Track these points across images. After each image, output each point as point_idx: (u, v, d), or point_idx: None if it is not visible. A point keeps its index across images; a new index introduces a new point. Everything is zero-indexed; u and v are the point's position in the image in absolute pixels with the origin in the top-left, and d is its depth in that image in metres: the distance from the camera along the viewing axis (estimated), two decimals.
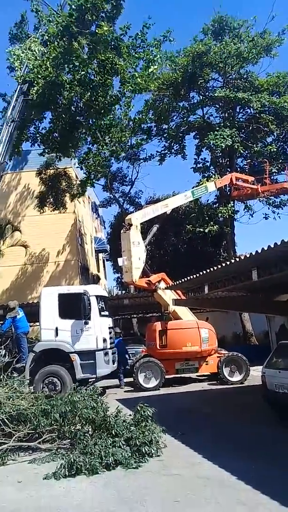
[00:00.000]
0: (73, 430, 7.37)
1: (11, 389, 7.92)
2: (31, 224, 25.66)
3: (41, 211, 24.57)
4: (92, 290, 12.29)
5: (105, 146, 17.41)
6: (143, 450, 6.60)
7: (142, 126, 23.72)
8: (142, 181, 76.55)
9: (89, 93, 15.69)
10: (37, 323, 12.95)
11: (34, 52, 14.17)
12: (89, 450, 6.53)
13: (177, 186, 73.85)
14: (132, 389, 14.29)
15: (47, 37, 14.73)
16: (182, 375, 15.10)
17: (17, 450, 7.26)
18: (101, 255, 37.92)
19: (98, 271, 36.79)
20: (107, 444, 6.69)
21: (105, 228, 41.00)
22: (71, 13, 13.91)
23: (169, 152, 25.32)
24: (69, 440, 7.38)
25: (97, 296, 12.15)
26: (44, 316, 11.82)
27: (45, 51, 14.48)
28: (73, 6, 14.04)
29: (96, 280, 33.19)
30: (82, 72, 14.60)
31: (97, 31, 14.18)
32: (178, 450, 7.10)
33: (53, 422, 7.38)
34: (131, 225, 14.84)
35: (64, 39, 14.24)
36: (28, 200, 26.55)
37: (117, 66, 14.82)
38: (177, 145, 25.04)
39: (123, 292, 30.46)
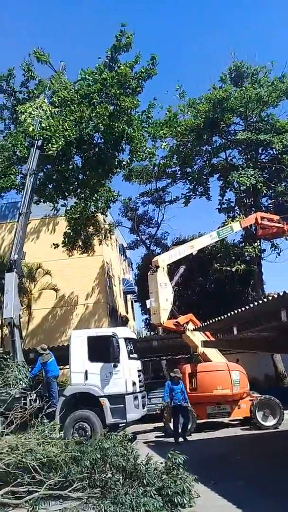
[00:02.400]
0: (103, 478, 7.26)
1: (42, 436, 7.93)
2: (61, 267, 26.21)
3: (70, 254, 25.14)
4: (121, 332, 12.34)
5: (92, 203, 18.25)
6: (176, 500, 6.38)
7: (166, 170, 24.52)
8: (168, 223, 77.00)
9: (95, 157, 16.98)
10: (68, 366, 13.03)
11: (46, 112, 15.12)
12: (120, 500, 6.39)
13: (203, 227, 74.17)
14: (163, 434, 13.98)
15: (56, 100, 15.78)
16: (214, 420, 14.67)
17: (48, 498, 7.16)
18: (129, 297, 38.05)
19: (127, 312, 36.82)
20: (138, 493, 6.50)
21: (132, 269, 41.35)
22: (89, 83, 15.35)
23: (193, 194, 25.74)
24: (100, 489, 7.25)
25: (125, 339, 12.17)
26: (73, 359, 11.89)
27: (56, 111, 15.44)
28: (87, 77, 15.60)
29: (124, 321, 33.18)
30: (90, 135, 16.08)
31: (119, 102, 15.41)
32: (211, 500, 6.86)
33: (83, 470, 7.31)
34: (158, 267, 15.00)
35: (82, 104, 15.44)
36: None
37: (131, 136, 15.92)
38: (202, 187, 25.47)
39: (152, 333, 30.26)
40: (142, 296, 30.48)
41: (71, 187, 18.13)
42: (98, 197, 18.26)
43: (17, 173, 17.12)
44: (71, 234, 21.02)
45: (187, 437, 12.83)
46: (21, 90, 17.80)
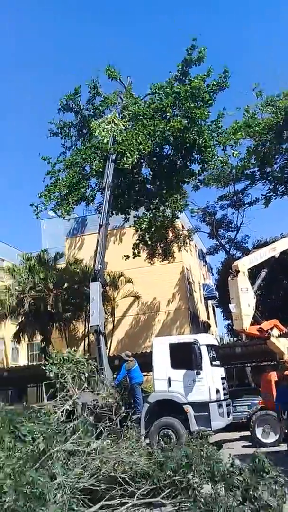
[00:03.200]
0: (192, 485, 7.20)
1: (130, 446, 8.05)
2: (142, 275, 26.69)
3: (151, 262, 25.52)
4: (203, 339, 12.20)
5: (162, 212, 18.27)
6: (264, 502, 6.13)
7: (245, 172, 23.98)
8: (248, 225, 75.16)
9: (165, 169, 17.30)
10: (151, 373, 13.17)
11: (119, 126, 15.46)
12: (210, 507, 6.30)
13: (285, 228, 71.27)
14: (250, 444, 13.54)
15: (127, 114, 16.15)
16: None
17: (139, 506, 7.22)
18: (210, 302, 37.65)
19: (208, 318, 36.44)
20: (227, 500, 6.37)
21: (213, 274, 40.87)
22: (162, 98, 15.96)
23: (274, 194, 24.83)
24: (189, 495, 7.20)
25: (207, 345, 12.01)
26: (156, 366, 11.99)
27: (128, 126, 15.70)
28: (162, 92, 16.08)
29: (206, 327, 32.85)
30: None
31: (192, 115, 15.65)
32: None
33: (171, 475, 7.32)
34: (238, 271, 14.63)
35: (154, 118, 15.77)
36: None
37: (203, 146, 16.05)
38: (283, 186, 24.52)
39: (235, 339, 29.59)
40: (224, 302, 30.03)
41: (141, 198, 18.43)
42: (166, 207, 18.45)
43: (86, 187, 17.64)
44: (139, 244, 21.27)
45: None
46: (88, 108, 18.34)
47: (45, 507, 5.32)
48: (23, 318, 26.69)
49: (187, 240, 27.45)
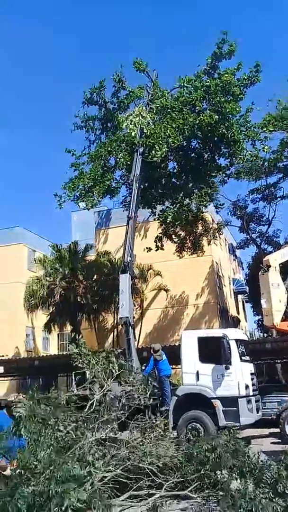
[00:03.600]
0: (220, 479, 7.20)
1: (157, 438, 8.10)
2: (171, 268, 26.64)
3: (180, 255, 25.42)
4: (232, 333, 12.09)
5: (184, 207, 18.37)
6: None
7: (277, 165, 23.51)
8: (280, 219, 74.06)
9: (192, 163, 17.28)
10: (179, 366, 13.19)
11: (146, 119, 15.33)
12: (237, 502, 6.26)
13: None
14: (279, 441, 13.38)
15: (154, 107, 16.03)
16: None
17: (167, 498, 7.26)
18: (240, 297, 37.26)
19: (238, 313, 36.10)
20: (256, 495, 6.32)
21: (243, 269, 40.40)
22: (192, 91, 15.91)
23: None
24: (216, 489, 7.19)
25: (236, 340, 11.89)
26: (185, 360, 11.98)
27: (156, 119, 15.57)
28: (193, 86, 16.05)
29: (236, 322, 32.57)
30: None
31: (222, 110, 15.59)
32: None
33: (199, 468, 7.33)
34: (269, 266, 14.46)
35: (183, 112, 15.74)
36: (167, 245, 27.69)
37: (232, 140, 16.00)
38: None
39: (265, 335, 29.19)
40: (254, 297, 29.63)
41: (167, 192, 18.32)
42: (191, 201, 18.31)
43: (111, 180, 17.62)
44: (161, 237, 21.23)
45: None
46: (112, 101, 18.21)
47: (76, 492, 5.42)
48: (53, 308, 27.20)
49: (217, 234, 27.20)
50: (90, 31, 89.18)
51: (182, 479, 7.31)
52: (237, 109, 16.17)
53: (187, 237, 25.51)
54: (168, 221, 18.90)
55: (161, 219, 19.38)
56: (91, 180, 16.79)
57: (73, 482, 5.59)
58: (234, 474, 7.13)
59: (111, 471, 6.87)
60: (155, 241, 21.57)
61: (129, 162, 16.43)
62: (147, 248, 21.62)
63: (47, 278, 27.04)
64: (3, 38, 77.75)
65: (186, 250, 25.43)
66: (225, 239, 34.65)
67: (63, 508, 5.16)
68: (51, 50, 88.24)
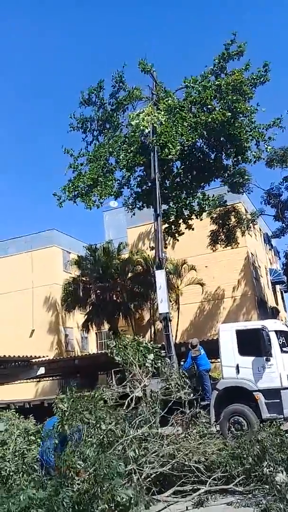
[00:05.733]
0: (264, 472, 7.06)
1: (200, 435, 8.02)
2: (205, 262, 26.40)
3: (214, 248, 25.12)
4: (271, 325, 11.82)
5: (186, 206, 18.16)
6: None
7: None
8: None
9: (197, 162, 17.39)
10: (218, 360, 13.03)
11: (158, 117, 15.08)
12: (284, 495, 6.14)
13: None
14: None
15: (162, 107, 15.71)
16: None
17: (213, 492, 7.20)
18: (278, 287, 36.47)
19: (277, 303, 35.38)
20: None
21: (280, 258, 39.49)
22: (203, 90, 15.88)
23: None
24: (261, 483, 7.07)
25: (276, 331, 11.62)
26: (224, 353, 11.82)
27: (167, 118, 15.33)
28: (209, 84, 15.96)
29: (275, 313, 31.93)
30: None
31: (235, 109, 15.52)
32: None
33: (244, 462, 7.22)
34: None
35: (192, 111, 15.82)
36: (200, 239, 27.44)
37: (238, 139, 16.06)
38: None
39: None
40: None
41: (171, 192, 18.04)
42: (192, 201, 18.17)
43: (113, 180, 17.24)
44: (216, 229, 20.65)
45: None
46: (110, 102, 17.73)
47: (124, 489, 5.43)
48: (90, 308, 27.54)
49: (251, 224, 26.70)
50: (88, 31, 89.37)
51: (227, 474, 7.23)
52: (249, 108, 16.11)
53: (221, 230, 25.20)
54: (171, 220, 18.62)
55: (163, 219, 19.18)
56: (90, 180, 16.57)
57: (119, 479, 5.61)
58: (280, 467, 7.00)
59: (155, 467, 6.86)
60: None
61: (131, 163, 16.32)
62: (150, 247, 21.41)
63: (83, 279, 27.40)
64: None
65: (220, 243, 25.14)
66: (260, 229, 33.99)
67: (113, 506, 5.19)
68: (40, 50, 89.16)
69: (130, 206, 18.61)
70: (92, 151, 17.63)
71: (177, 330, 25.13)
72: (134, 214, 19.16)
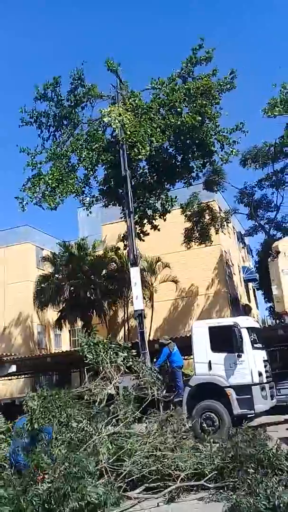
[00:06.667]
0: (235, 468, 7.13)
1: (175, 436, 8.03)
2: (179, 259, 26.51)
3: (188, 246, 25.27)
4: (243, 322, 11.98)
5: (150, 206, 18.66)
6: None
7: (284, 149, 23.20)
8: None
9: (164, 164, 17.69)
10: (191, 357, 13.12)
11: (126, 117, 15.00)
12: (254, 490, 6.19)
13: None
14: None
15: (129, 106, 15.73)
16: None
17: (184, 489, 7.22)
18: (250, 285, 37.03)
19: (249, 301, 35.91)
20: (273, 484, 6.24)
21: (252, 256, 40.09)
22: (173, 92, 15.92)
23: None
24: (232, 479, 7.13)
25: (248, 328, 11.78)
26: (196, 350, 11.91)
27: (133, 117, 15.30)
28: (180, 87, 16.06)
29: (247, 310, 32.41)
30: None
31: (205, 114, 15.84)
32: None
33: (215, 460, 7.28)
34: (278, 252, 14.33)
35: (161, 113, 15.91)
36: (174, 237, 27.51)
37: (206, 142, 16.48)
38: None
39: (277, 322, 29.01)
40: (264, 284, 29.40)
41: (138, 191, 18.08)
42: (155, 201, 18.51)
43: (75, 179, 17.04)
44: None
45: None
46: (68, 98, 17.44)
47: (93, 487, 5.39)
48: (63, 305, 27.26)
49: (225, 223, 26.99)
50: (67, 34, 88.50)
51: (197, 470, 7.27)
52: (214, 113, 16.28)
53: (195, 227, 25.38)
54: (135, 220, 18.66)
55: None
56: (54, 181, 16.26)
57: (89, 478, 5.56)
58: (251, 463, 7.08)
59: (127, 465, 6.84)
60: (122, 240, 21.70)
61: (94, 161, 16.30)
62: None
63: (56, 276, 27.09)
64: None
65: (194, 240, 25.31)
66: (233, 228, 34.40)
67: (83, 504, 5.14)
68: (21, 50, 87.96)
69: (87, 205, 18.40)
70: (51, 148, 17.33)
71: (150, 327, 25.18)
72: (91, 212, 18.82)
